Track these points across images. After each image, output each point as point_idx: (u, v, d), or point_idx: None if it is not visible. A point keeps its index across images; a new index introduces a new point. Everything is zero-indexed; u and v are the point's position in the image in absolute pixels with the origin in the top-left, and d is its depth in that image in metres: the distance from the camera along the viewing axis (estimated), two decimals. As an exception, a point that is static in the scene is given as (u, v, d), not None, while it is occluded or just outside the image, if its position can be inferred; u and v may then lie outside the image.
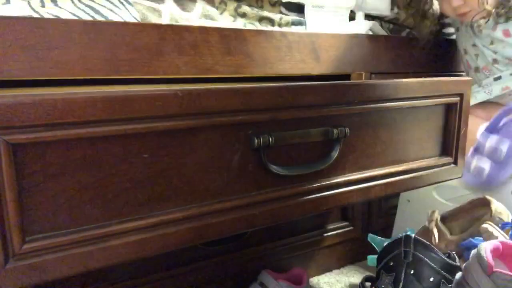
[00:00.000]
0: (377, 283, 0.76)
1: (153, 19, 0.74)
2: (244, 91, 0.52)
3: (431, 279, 0.69)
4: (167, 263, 0.83)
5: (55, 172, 0.42)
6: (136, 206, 0.48)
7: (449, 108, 0.77)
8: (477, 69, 1.07)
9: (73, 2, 0.67)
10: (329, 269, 1.08)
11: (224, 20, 0.85)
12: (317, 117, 0.60)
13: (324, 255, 1.06)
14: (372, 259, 1.02)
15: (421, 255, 0.71)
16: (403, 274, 0.72)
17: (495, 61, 1.02)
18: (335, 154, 0.62)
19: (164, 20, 0.75)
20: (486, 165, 0.89)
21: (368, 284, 0.88)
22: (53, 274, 0.43)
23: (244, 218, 0.55)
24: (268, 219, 0.57)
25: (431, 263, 0.70)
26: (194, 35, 0.69)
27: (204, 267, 0.87)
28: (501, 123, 0.89)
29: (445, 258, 0.71)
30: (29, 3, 0.63)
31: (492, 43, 1.01)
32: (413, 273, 0.71)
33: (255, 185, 0.56)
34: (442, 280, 0.70)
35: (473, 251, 0.62)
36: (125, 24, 0.63)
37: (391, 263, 0.74)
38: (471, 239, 0.77)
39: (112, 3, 0.70)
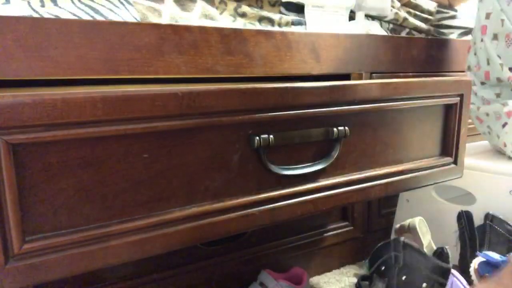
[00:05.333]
0: (371, 287, 0.75)
1: (153, 19, 0.74)
2: (244, 91, 0.52)
3: (424, 285, 0.68)
4: (167, 263, 0.83)
5: (55, 172, 0.42)
6: (136, 206, 0.48)
7: (449, 108, 0.77)
8: (495, 36, 0.96)
9: (73, 2, 0.67)
10: (329, 269, 1.08)
11: (224, 20, 0.85)
12: (317, 117, 0.60)
13: (324, 255, 1.06)
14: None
15: (411, 260, 0.70)
16: (395, 280, 0.71)
17: None
18: (335, 154, 0.62)
19: (164, 20, 0.75)
20: None
21: (364, 283, 0.87)
22: (53, 274, 0.43)
23: (244, 218, 0.55)
24: (268, 219, 0.57)
25: (422, 267, 0.69)
26: (194, 35, 0.69)
27: (204, 267, 0.87)
28: None
29: (437, 261, 0.69)
30: (29, 3, 0.63)
31: None
32: (405, 279, 0.70)
33: (255, 185, 0.56)
34: (435, 284, 0.69)
35: None
36: (125, 24, 0.63)
37: (383, 268, 0.73)
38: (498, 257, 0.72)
39: (112, 3, 0.70)
